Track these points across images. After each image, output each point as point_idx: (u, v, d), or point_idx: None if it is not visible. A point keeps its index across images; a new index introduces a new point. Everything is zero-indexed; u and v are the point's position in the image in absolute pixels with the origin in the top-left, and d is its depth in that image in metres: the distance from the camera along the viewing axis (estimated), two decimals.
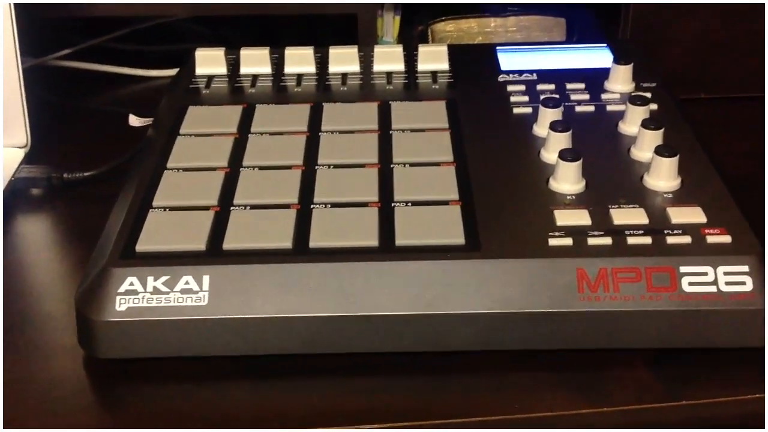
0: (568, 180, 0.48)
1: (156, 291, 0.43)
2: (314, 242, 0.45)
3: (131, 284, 0.43)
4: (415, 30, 0.76)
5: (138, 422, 0.42)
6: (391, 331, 0.43)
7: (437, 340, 0.43)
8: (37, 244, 0.55)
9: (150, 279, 0.43)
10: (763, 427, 0.42)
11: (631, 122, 0.53)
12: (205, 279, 0.44)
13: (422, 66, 0.62)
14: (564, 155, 0.48)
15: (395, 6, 0.74)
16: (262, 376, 0.44)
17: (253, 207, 0.48)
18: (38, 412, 0.42)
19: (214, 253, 0.45)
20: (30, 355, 0.45)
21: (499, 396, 0.42)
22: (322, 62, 0.62)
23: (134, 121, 0.66)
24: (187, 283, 0.44)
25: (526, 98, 0.57)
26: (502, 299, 0.43)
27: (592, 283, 0.43)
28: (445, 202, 0.48)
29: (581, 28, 0.76)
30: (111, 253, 0.45)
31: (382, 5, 0.73)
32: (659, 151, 0.48)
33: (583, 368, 0.43)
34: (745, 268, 0.43)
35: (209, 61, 0.62)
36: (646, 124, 0.51)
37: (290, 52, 0.62)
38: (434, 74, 0.61)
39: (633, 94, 0.55)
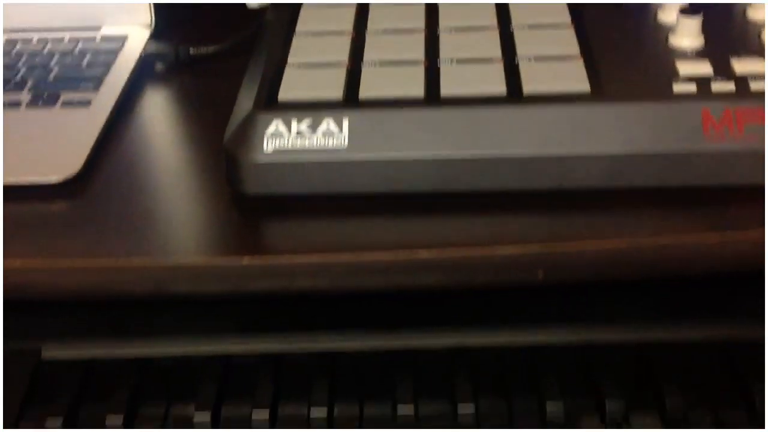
0: (688, 35, 0.50)
1: (299, 134, 0.47)
2: (445, 91, 0.48)
3: (277, 127, 0.47)
4: None
5: (280, 250, 0.45)
6: (520, 171, 0.46)
7: (567, 178, 0.45)
8: (170, 111, 0.59)
9: (294, 122, 0.47)
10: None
11: None
12: (345, 123, 0.47)
13: None
14: (685, 11, 0.50)
15: None
16: (396, 214, 0.46)
17: (383, 64, 0.50)
18: (197, 247, 0.46)
19: (351, 101, 0.48)
20: (182, 200, 0.49)
21: (626, 230, 0.44)
22: None
23: (252, 4, 0.69)
24: (327, 126, 0.47)
25: None
26: (628, 141, 0.45)
27: (717, 124, 0.45)
28: (568, 57, 0.49)
29: None
30: (256, 102, 0.48)
31: None
32: None
33: (708, 203, 0.45)
34: None
35: None
36: None
37: None
38: None
39: None
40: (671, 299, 0.50)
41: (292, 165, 0.46)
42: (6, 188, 0.48)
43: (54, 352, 0.48)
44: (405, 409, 0.44)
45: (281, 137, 0.47)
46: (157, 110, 0.59)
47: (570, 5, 0.55)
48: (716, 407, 0.44)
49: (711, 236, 0.43)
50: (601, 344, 0.47)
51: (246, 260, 0.44)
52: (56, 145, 0.52)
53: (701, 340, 0.47)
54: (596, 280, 0.45)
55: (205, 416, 0.43)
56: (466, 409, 0.43)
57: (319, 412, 0.44)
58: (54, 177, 0.49)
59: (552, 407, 0.44)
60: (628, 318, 0.49)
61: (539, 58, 0.49)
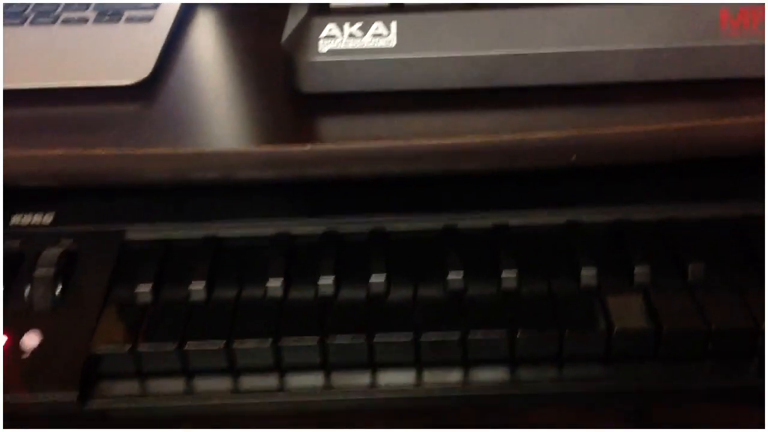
0: None
1: (351, 36, 0.51)
2: None
3: (330, 30, 0.51)
4: None
5: (337, 139, 0.49)
6: (555, 67, 0.50)
7: (597, 73, 0.49)
8: (226, 23, 0.62)
9: (346, 25, 0.51)
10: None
11: None
12: (393, 25, 0.51)
13: None
14: None
15: None
16: (441, 108, 0.50)
17: None
18: (261, 138, 0.49)
19: (398, 6, 0.52)
20: (244, 99, 0.53)
21: (653, 117, 0.48)
22: None
23: None
24: (377, 28, 0.51)
25: None
26: (652, 37, 0.49)
27: (734, 21, 0.49)
28: None
29: None
30: (310, 8, 0.52)
31: None
32: None
33: (726, 94, 0.49)
34: None
35: None
36: None
37: None
38: None
39: None
40: (693, 181, 0.54)
41: (344, 64, 0.50)
42: (85, 90, 0.53)
43: (136, 234, 0.53)
44: (454, 275, 0.48)
45: (334, 39, 0.51)
46: (214, 23, 0.63)
47: None
48: (732, 273, 0.49)
49: (728, 121, 0.47)
50: (631, 221, 0.51)
51: (308, 147, 0.49)
52: (125, 54, 0.57)
53: (719, 217, 0.52)
54: (625, 162, 0.50)
55: (277, 282, 0.48)
56: (509, 274, 0.48)
57: (377, 286, 0.49)
58: (127, 80, 0.54)
59: (586, 272, 0.48)
60: (655, 198, 0.53)
61: None
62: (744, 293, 0.48)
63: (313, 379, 0.47)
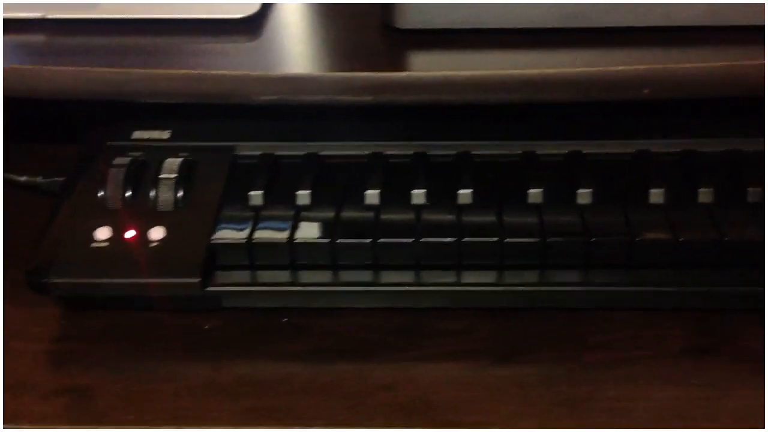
0: None
1: None
2: None
3: None
4: None
5: (428, 68, 0.54)
6: (631, 10, 0.54)
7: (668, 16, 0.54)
8: None
9: None
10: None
11: None
12: None
13: None
14: None
15: None
16: (527, 46, 0.55)
17: None
18: (361, 66, 0.54)
19: None
20: (344, 34, 0.58)
21: (721, 56, 0.53)
22: None
23: None
24: None
25: None
26: None
27: None
28: None
29: None
30: None
31: None
32: None
33: None
34: None
35: None
36: None
37: None
38: None
39: None
40: (759, 115, 0.58)
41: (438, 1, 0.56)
42: (199, 21, 0.58)
43: (246, 150, 0.58)
44: (535, 192, 0.53)
45: None
46: None
47: None
48: None
49: None
50: (695, 152, 0.56)
51: (405, 74, 0.54)
52: None
53: None
54: (693, 97, 0.54)
55: (374, 192, 0.54)
56: (584, 191, 0.53)
57: (464, 197, 0.54)
58: (238, 14, 0.60)
59: (654, 191, 0.53)
60: (717, 131, 0.58)
61: None
62: None
63: (406, 276, 0.53)
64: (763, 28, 0.56)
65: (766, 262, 0.51)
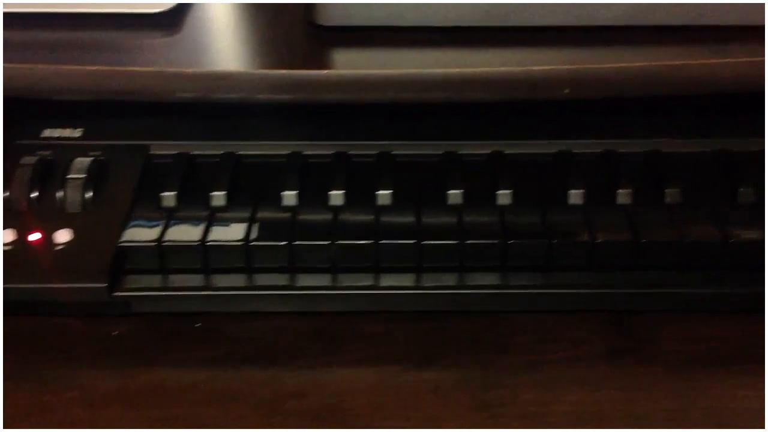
0: None
1: None
2: None
3: None
4: None
5: (349, 66, 0.53)
6: (552, 10, 0.54)
7: (591, 16, 0.54)
8: None
9: None
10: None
11: None
12: None
13: None
14: None
15: None
16: (448, 46, 0.55)
17: None
18: (280, 64, 0.53)
19: None
20: (264, 31, 0.57)
21: (642, 56, 0.53)
22: None
23: None
24: None
25: None
26: None
27: None
28: None
29: None
30: None
31: None
32: None
33: (712, 39, 0.54)
34: None
35: None
36: None
37: None
38: None
39: None
40: (680, 117, 0.59)
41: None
42: (114, 16, 0.57)
43: (160, 149, 0.56)
44: (454, 193, 0.52)
45: None
46: None
47: None
48: (707, 199, 0.53)
49: (714, 60, 0.52)
50: (616, 153, 0.56)
51: (325, 72, 0.53)
52: None
53: (698, 151, 0.56)
54: (613, 96, 0.54)
55: (291, 194, 0.52)
56: (505, 193, 0.52)
57: (383, 198, 0.53)
58: (155, 9, 0.58)
59: (573, 193, 0.52)
60: (639, 133, 0.57)
61: None
62: (716, 215, 0.52)
63: (322, 279, 0.51)
64: (682, 27, 0.55)
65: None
